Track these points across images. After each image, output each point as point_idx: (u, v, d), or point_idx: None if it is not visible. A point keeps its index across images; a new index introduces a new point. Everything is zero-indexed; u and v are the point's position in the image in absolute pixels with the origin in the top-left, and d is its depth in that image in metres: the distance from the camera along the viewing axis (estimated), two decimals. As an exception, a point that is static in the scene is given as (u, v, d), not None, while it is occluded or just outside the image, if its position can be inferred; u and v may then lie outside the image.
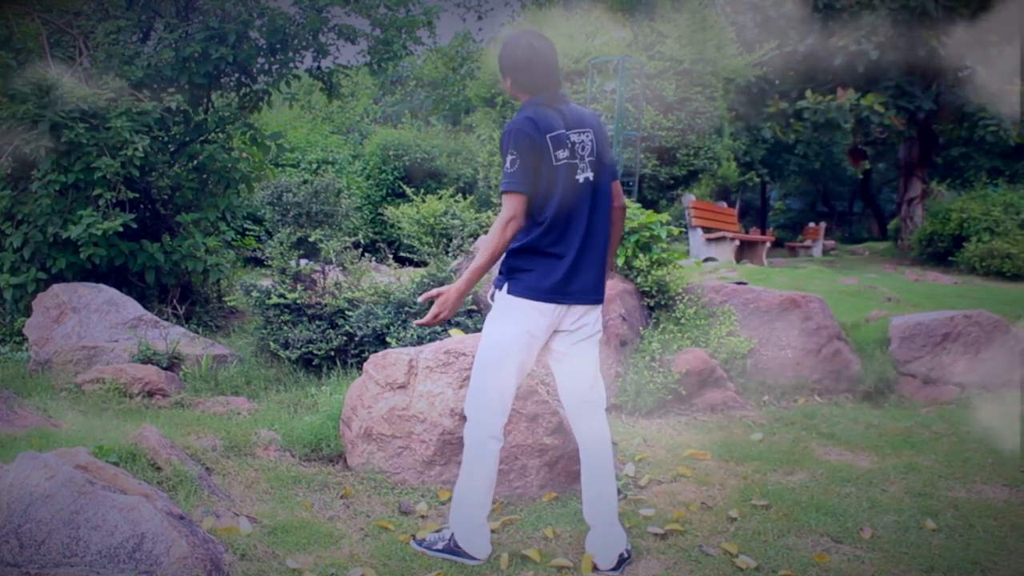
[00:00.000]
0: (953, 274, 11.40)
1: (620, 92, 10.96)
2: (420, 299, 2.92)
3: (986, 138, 14.05)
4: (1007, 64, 13.24)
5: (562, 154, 2.79)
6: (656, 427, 4.76)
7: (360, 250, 5.73)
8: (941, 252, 12.68)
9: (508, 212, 2.78)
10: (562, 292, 2.84)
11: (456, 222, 5.67)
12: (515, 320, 2.86)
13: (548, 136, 2.77)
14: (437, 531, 3.05)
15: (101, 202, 6.03)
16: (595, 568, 2.91)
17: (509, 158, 2.78)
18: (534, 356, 2.94)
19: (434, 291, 2.88)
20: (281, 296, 5.29)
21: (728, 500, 3.58)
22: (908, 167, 16.27)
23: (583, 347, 2.96)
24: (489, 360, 2.91)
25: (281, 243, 5.54)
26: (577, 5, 14.91)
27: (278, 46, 7.17)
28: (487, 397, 2.91)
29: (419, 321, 2.93)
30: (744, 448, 4.34)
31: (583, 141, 2.87)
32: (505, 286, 2.87)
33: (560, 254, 2.82)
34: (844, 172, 23.72)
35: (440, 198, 6.06)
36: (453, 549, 2.94)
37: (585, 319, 2.93)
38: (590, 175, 2.86)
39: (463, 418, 3.54)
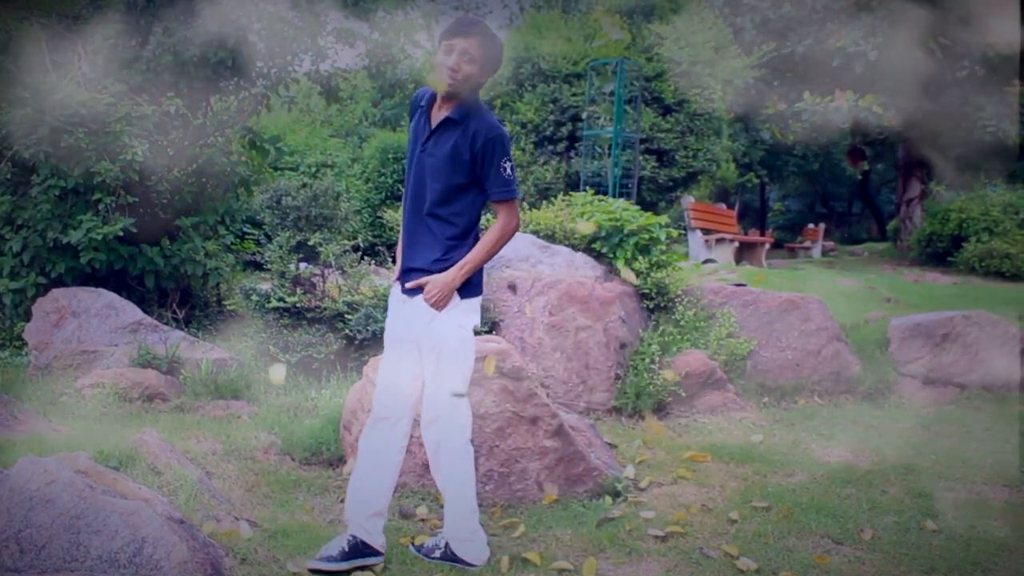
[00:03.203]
0: (952, 274, 11.39)
1: (619, 94, 10.97)
2: (408, 285, 2.86)
3: (985, 138, 14.03)
4: (1005, 64, 13.23)
5: None
6: (656, 429, 4.76)
7: (359, 253, 5.73)
8: (940, 252, 12.66)
9: (516, 219, 2.88)
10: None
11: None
12: (472, 322, 2.91)
13: None
14: (433, 536, 3.04)
15: (101, 206, 6.03)
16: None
17: (508, 164, 2.81)
18: None
19: (420, 280, 2.83)
20: (281, 300, 5.29)
21: (728, 502, 3.58)
22: (907, 167, 16.27)
23: None
24: (470, 370, 2.91)
25: (280, 247, 5.53)
26: (575, 7, 14.92)
27: (276, 50, 7.17)
28: (468, 407, 2.93)
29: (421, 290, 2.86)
30: (744, 450, 4.34)
31: None
32: (457, 292, 2.86)
33: None
34: (843, 173, 23.70)
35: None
36: (450, 557, 2.94)
37: None
38: None
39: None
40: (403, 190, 2.98)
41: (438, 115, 2.85)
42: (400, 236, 3.02)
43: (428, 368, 2.88)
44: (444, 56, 2.76)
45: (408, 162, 2.93)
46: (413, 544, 3.05)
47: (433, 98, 2.88)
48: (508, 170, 2.80)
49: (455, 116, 2.80)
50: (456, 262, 2.82)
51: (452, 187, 2.81)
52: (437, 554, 2.96)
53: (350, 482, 2.96)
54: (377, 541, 2.89)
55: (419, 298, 2.84)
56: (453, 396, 2.88)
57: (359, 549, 2.84)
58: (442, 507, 3.41)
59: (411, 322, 2.87)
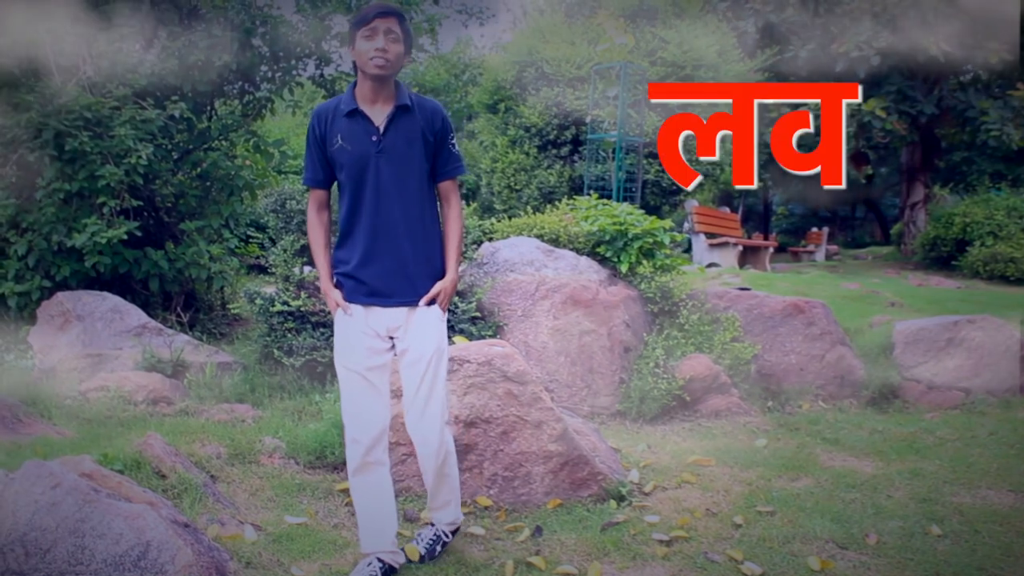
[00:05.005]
0: (956, 278, 11.38)
1: (622, 98, 10.97)
2: (423, 302, 2.79)
3: (988, 142, 14.03)
4: (1008, 67, 13.23)
5: None
6: (660, 433, 4.76)
7: (363, 257, 5.72)
8: (944, 256, 12.66)
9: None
10: None
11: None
12: None
13: None
14: (424, 540, 3.02)
15: (105, 210, 6.04)
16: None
17: (455, 139, 2.86)
18: None
19: (434, 291, 2.80)
20: (285, 303, 5.29)
21: (733, 506, 3.58)
22: (910, 171, 16.25)
23: None
24: None
25: (284, 250, 5.54)
26: (579, 11, 14.93)
27: (281, 54, 7.19)
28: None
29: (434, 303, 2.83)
30: (749, 454, 4.34)
31: None
32: None
33: None
34: (847, 176, 23.69)
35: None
36: (448, 537, 3.05)
37: None
38: None
39: (466, 425, 3.55)
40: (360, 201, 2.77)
41: (379, 108, 2.71)
42: (335, 253, 2.88)
43: (430, 377, 2.79)
44: (366, 42, 2.62)
45: (355, 171, 2.73)
46: (408, 559, 2.96)
47: (352, 100, 2.73)
48: (457, 146, 2.85)
49: (407, 102, 2.72)
50: (443, 259, 2.85)
51: (426, 174, 2.78)
52: (439, 548, 3.00)
53: (359, 521, 2.90)
54: (398, 560, 2.91)
55: (434, 308, 2.80)
56: (446, 396, 2.91)
57: (389, 574, 2.85)
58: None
59: (422, 335, 2.78)
